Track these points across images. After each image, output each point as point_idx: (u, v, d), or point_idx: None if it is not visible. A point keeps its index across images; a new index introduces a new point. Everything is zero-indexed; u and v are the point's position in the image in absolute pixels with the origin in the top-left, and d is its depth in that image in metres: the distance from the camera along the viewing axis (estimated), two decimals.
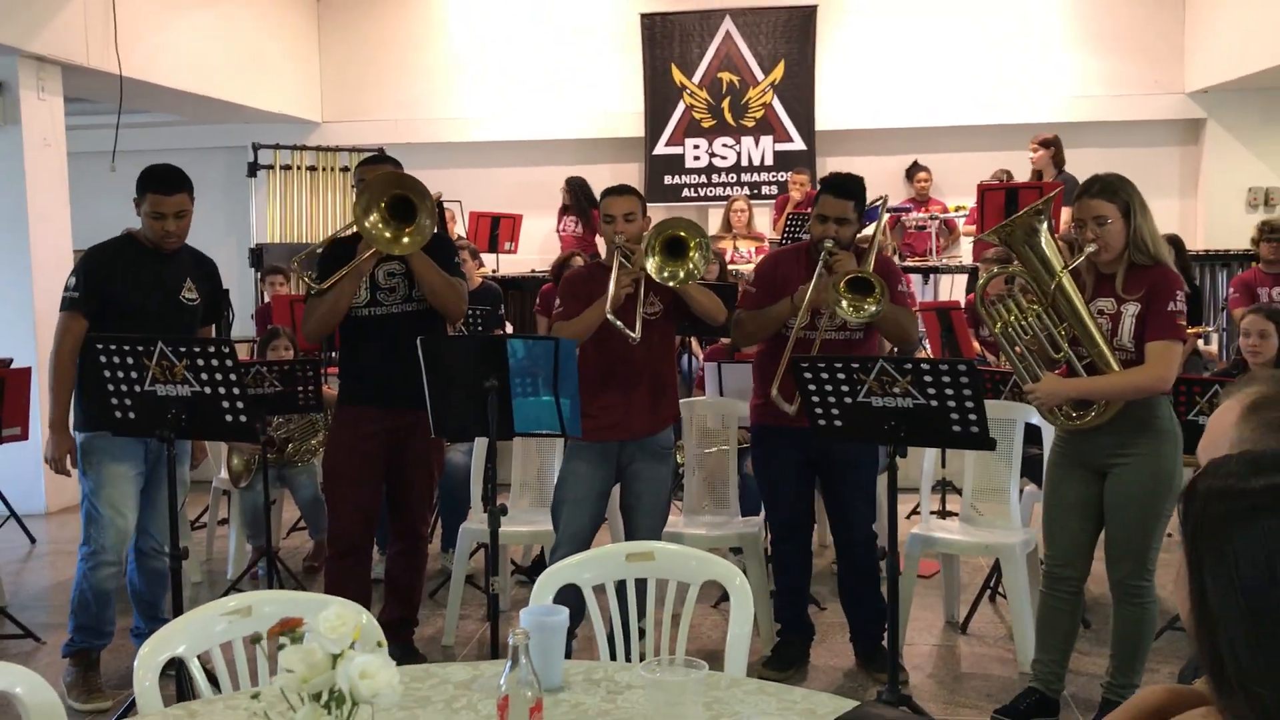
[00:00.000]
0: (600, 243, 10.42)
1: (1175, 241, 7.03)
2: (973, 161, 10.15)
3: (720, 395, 5.16)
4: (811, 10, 10.51)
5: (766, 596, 4.64)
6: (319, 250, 4.57)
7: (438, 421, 3.54)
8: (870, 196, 4.36)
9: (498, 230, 9.86)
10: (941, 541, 4.55)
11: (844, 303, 3.93)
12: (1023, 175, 9.23)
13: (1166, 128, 10.43)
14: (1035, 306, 3.63)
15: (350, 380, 4.38)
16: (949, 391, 3.19)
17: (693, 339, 7.43)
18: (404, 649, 4.53)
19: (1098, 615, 4.79)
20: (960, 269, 9.03)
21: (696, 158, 10.77)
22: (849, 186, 4.14)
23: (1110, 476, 3.66)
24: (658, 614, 2.58)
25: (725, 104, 10.69)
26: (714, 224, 10.35)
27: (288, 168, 8.76)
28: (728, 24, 10.63)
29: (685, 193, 10.75)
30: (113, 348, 3.62)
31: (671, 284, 3.98)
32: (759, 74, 10.63)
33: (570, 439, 4.09)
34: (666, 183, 10.80)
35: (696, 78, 10.71)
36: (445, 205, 10.21)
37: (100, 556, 4.15)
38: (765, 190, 10.51)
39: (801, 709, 1.93)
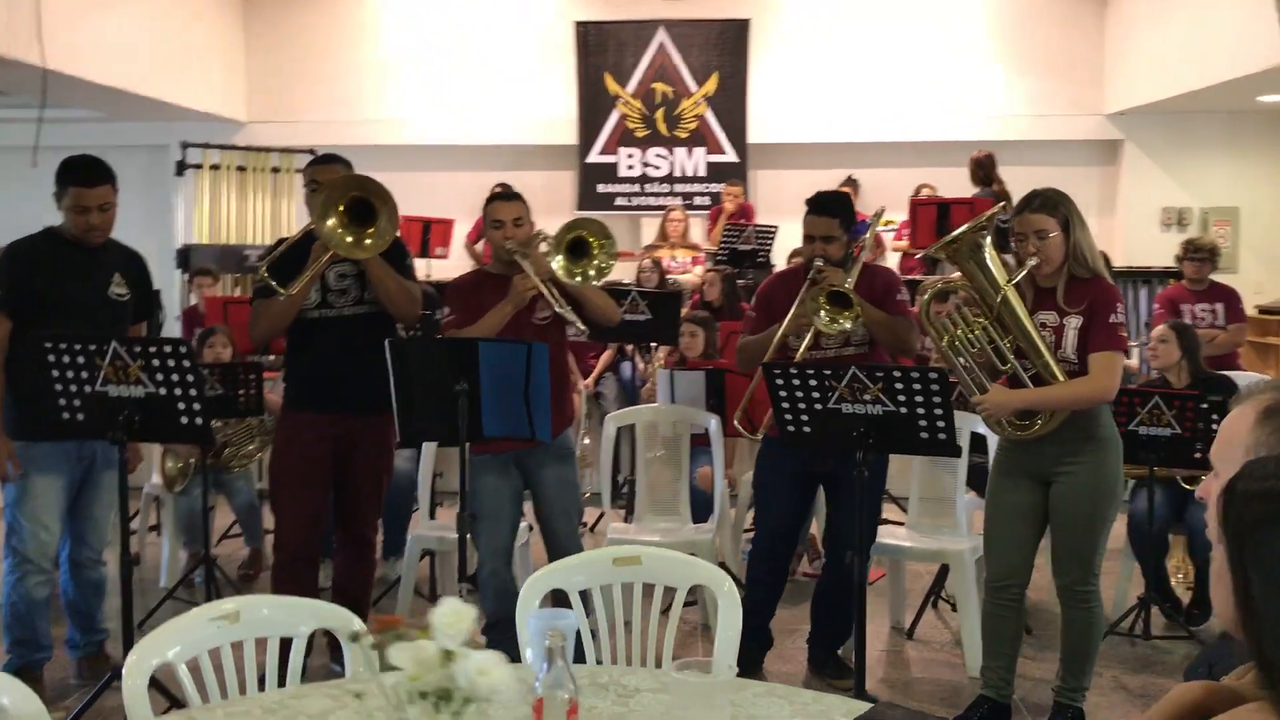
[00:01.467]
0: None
1: (1104, 258, 7.25)
2: (902, 178, 10.29)
3: (672, 403, 5.17)
4: (745, 24, 10.60)
5: None
6: (272, 252, 4.49)
7: (403, 425, 3.48)
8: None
9: (429, 235, 9.77)
10: (891, 548, 4.60)
11: (822, 313, 3.96)
12: (949, 191, 9.42)
13: (1086, 148, 10.73)
14: (981, 320, 3.69)
15: (298, 384, 4.28)
16: (919, 399, 3.24)
17: (631, 347, 7.42)
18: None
19: (1039, 621, 4.90)
20: None
21: (630, 167, 10.79)
22: (832, 204, 4.18)
23: (1055, 485, 3.73)
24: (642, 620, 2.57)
25: (659, 114, 10.73)
26: (648, 234, 10.39)
27: (216, 167, 8.56)
28: (662, 35, 10.67)
29: (618, 201, 10.75)
30: (63, 347, 3.50)
31: (591, 283, 4.02)
32: (692, 85, 10.69)
33: (474, 454, 4.07)
34: (599, 191, 10.79)
35: (630, 87, 10.73)
36: None
37: (25, 567, 4.00)
38: (698, 201, 10.55)
39: (813, 711, 1.93)
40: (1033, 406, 3.63)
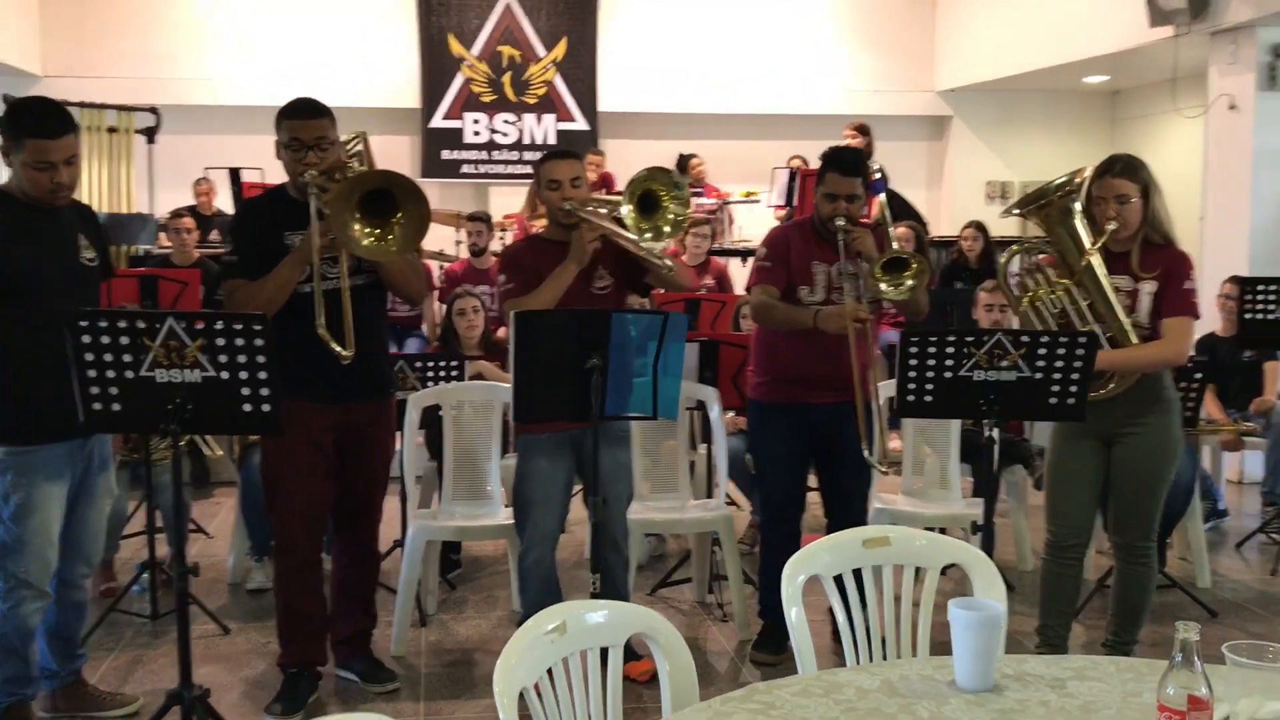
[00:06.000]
0: None
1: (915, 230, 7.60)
2: (748, 150, 10.42)
3: None
4: None
5: (740, 581, 4.55)
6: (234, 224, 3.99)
7: (520, 404, 3.15)
8: None
9: None
10: (907, 515, 4.61)
11: (883, 285, 3.88)
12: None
13: (918, 123, 11.20)
14: (1064, 281, 3.73)
15: (289, 372, 3.72)
16: (1059, 364, 3.23)
17: None
18: (368, 664, 4.06)
19: (1020, 577, 5.06)
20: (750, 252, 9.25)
21: (476, 133, 10.40)
22: (856, 163, 4.09)
23: (1119, 446, 3.81)
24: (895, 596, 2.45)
25: (506, 79, 10.38)
26: (497, 203, 10.06)
27: None
28: None
29: (464, 169, 10.35)
30: (102, 325, 2.96)
31: (668, 236, 3.86)
32: (541, 50, 10.40)
33: (523, 432, 3.85)
34: (444, 158, 10.35)
35: (476, 50, 10.32)
36: (205, 177, 9.29)
37: (23, 591, 3.39)
38: None
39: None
40: (1112, 368, 3.68)
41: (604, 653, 2.02)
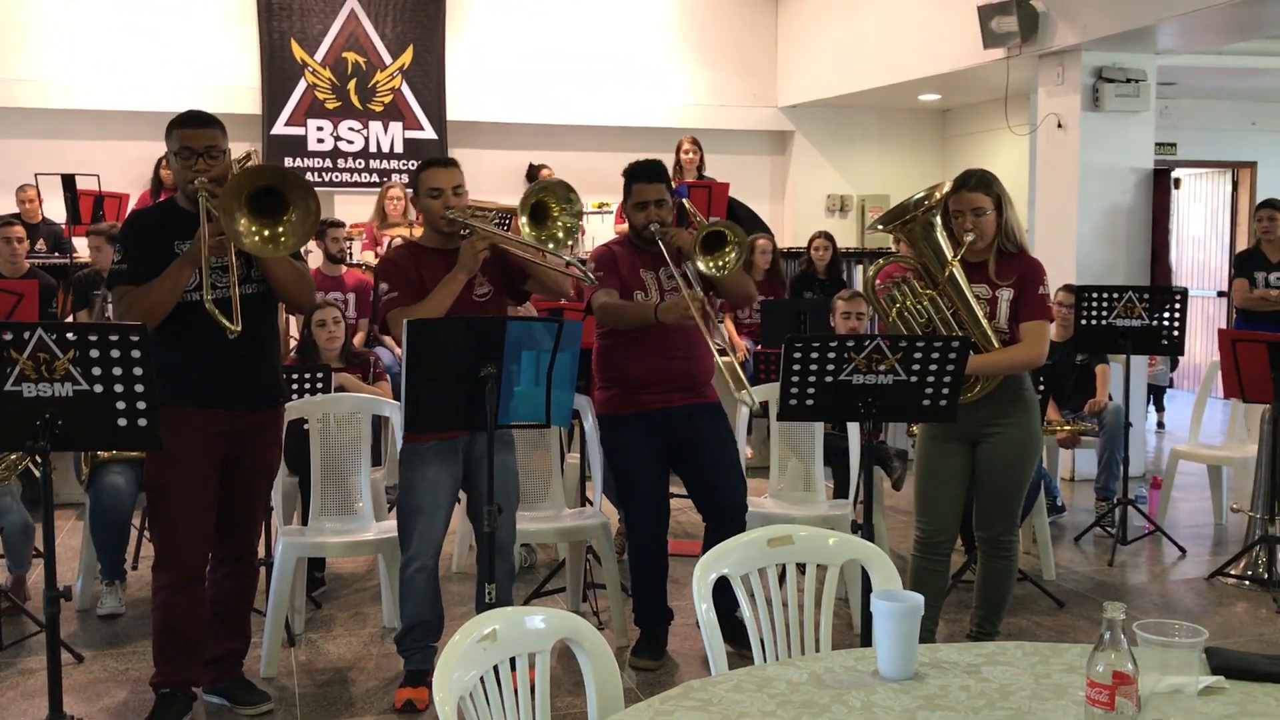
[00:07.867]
0: None
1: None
2: (597, 161, 10.45)
3: None
4: None
5: (618, 589, 4.57)
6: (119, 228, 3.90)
7: (411, 415, 3.10)
8: None
9: (101, 210, 8.67)
10: (782, 517, 4.71)
11: (706, 265, 4.01)
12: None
13: (761, 138, 11.45)
14: (929, 291, 3.90)
15: (177, 377, 3.63)
16: (933, 367, 3.36)
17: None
18: (239, 686, 3.93)
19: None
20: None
21: (320, 140, 10.14)
22: (657, 170, 4.24)
23: (985, 444, 4.00)
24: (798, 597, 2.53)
25: (351, 86, 10.16)
26: (343, 211, 9.83)
27: None
28: (352, 1, 10.11)
29: (308, 176, 10.05)
30: None
31: (563, 243, 3.96)
32: (387, 57, 10.22)
33: (410, 441, 3.82)
34: (288, 165, 10.05)
35: (319, 55, 10.07)
36: (31, 183, 8.80)
37: None
38: (395, 179, 10.12)
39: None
40: (979, 371, 3.86)
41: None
